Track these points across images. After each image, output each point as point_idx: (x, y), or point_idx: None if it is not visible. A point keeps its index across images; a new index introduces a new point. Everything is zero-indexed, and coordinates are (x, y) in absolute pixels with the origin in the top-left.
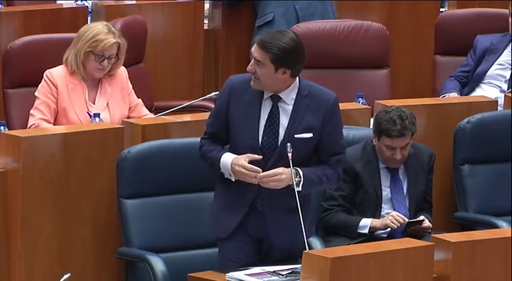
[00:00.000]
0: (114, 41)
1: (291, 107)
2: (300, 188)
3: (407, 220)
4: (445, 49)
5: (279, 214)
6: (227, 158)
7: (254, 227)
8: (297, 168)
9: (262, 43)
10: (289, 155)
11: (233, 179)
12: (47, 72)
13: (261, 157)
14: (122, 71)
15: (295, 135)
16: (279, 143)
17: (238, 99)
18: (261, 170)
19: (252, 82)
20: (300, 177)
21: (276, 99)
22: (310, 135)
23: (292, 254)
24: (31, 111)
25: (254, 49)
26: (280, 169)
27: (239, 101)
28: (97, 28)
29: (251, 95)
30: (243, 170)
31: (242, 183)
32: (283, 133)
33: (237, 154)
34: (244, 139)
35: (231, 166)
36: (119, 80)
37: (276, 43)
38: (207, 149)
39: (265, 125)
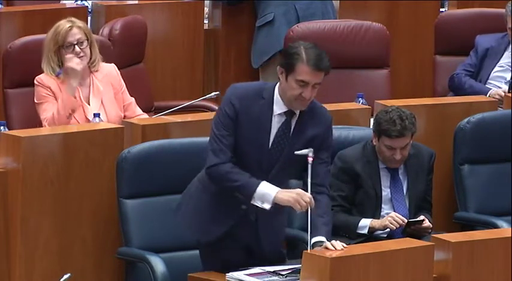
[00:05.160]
0: (69, 24)
1: (295, 120)
2: None
3: (406, 220)
4: (445, 49)
5: (271, 221)
6: (268, 189)
7: (243, 235)
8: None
9: (322, 67)
10: (310, 159)
11: (266, 207)
12: (37, 78)
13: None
14: (112, 68)
15: (295, 152)
16: (283, 156)
17: (247, 111)
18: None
19: (301, 106)
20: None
21: (289, 114)
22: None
23: (275, 256)
24: (42, 117)
25: (314, 77)
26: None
27: (248, 114)
28: (55, 25)
29: (260, 108)
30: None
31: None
32: (287, 147)
33: (241, 163)
34: (252, 152)
35: (278, 197)
36: (110, 78)
37: (327, 58)
38: (232, 170)
39: (274, 140)
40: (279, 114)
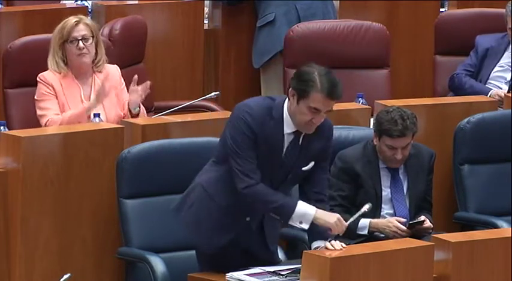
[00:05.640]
0: (77, 19)
1: (302, 136)
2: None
3: (408, 230)
4: (445, 49)
5: (274, 226)
6: (306, 208)
7: (245, 242)
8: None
9: (336, 96)
10: (365, 209)
11: (305, 227)
12: (40, 75)
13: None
14: (115, 69)
15: (303, 169)
16: (292, 172)
17: (261, 130)
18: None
19: (309, 130)
20: None
21: (298, 133)
22: (313, 163)
23: (272, 257)
24: (39, 113)
25: (327, 105)
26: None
27: (262, 133)
28: (63, 20)
29: (271, 128)
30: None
31: (240, 206)
32: (296, 163)
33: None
34: (265, 169)
35: (319, 218)
36: (112, 78)
37: (341, 85)
38: (267, 191)
39: (283, 157)
40: (288, 133)
